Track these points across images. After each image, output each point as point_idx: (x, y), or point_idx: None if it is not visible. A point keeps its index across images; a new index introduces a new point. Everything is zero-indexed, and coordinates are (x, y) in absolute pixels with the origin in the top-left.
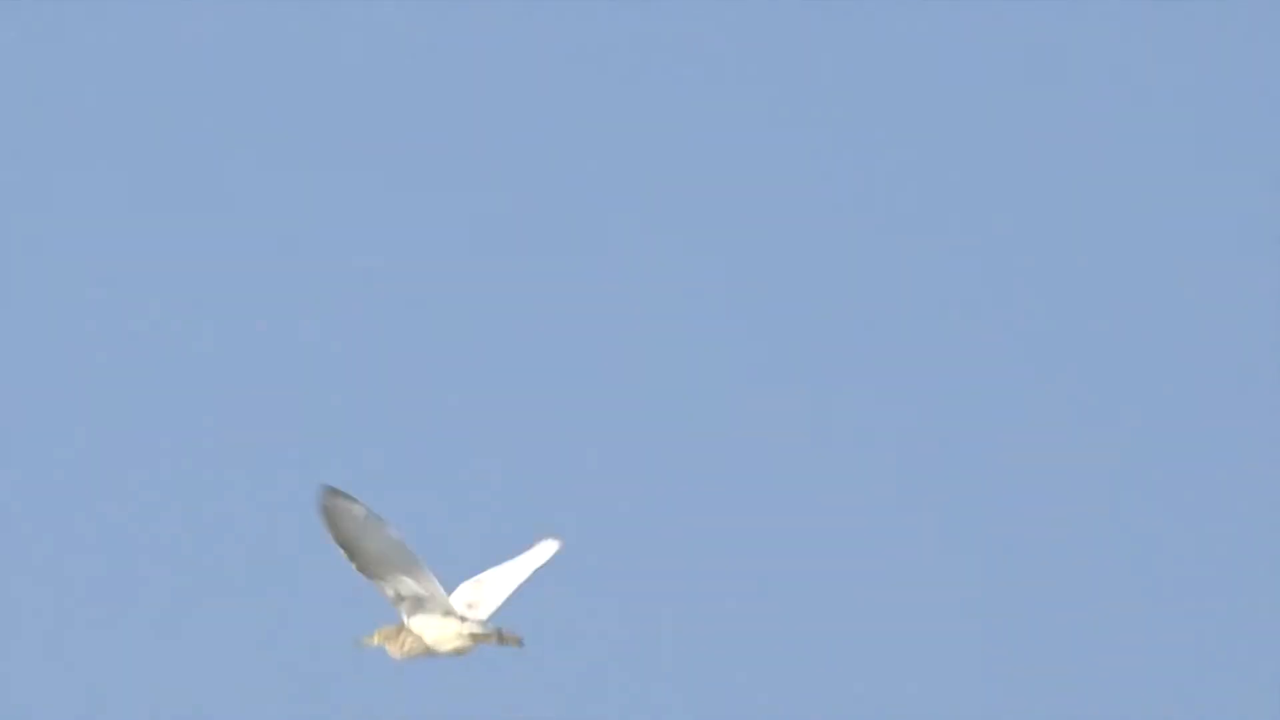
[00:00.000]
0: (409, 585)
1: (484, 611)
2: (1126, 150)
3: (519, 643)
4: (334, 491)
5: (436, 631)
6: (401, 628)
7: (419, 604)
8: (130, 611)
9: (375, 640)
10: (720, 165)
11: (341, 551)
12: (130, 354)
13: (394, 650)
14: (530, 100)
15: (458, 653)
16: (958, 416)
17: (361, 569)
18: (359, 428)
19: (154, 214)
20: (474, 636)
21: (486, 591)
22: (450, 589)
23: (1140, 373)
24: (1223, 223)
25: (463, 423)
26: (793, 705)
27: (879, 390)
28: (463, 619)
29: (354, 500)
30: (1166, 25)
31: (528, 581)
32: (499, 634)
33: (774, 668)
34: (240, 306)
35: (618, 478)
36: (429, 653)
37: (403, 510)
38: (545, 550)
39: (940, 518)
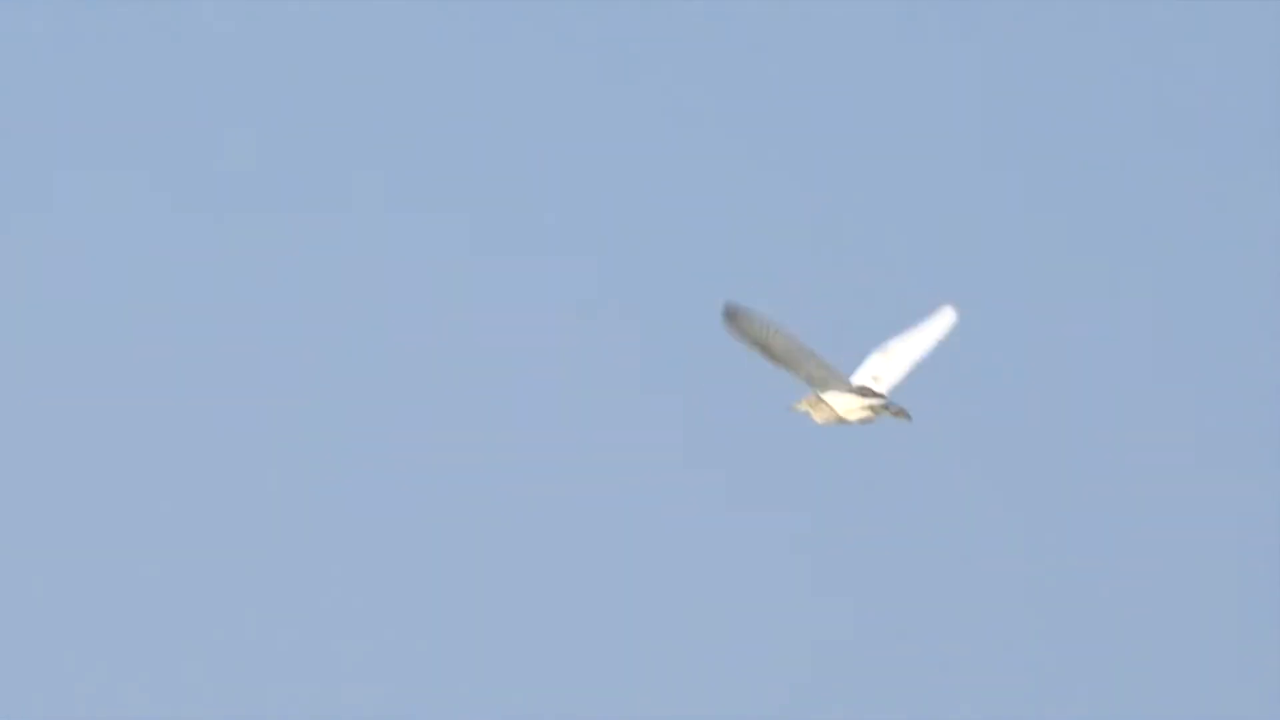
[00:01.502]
0: (812, 371)
1: (886, 385)
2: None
3: (908, 416)
4: (734, 307)
5: (844, 405)
6: (819, 398)
7: (826, 382)
8: None
9: (802, 406)
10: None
11: (755, 350)
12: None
13: (816, 416)
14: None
15: (863, 421)
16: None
17: (772, 361)
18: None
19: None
20: (872, 409)
21: (892, 363)
22: (858, 360)
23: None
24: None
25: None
26: None
27: None
28: (864, 392)
29: (752, 313)
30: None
31: (929, 354)
32: (891, 408)
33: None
34: None
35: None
36: (841, 421)
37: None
38: (944, 320)
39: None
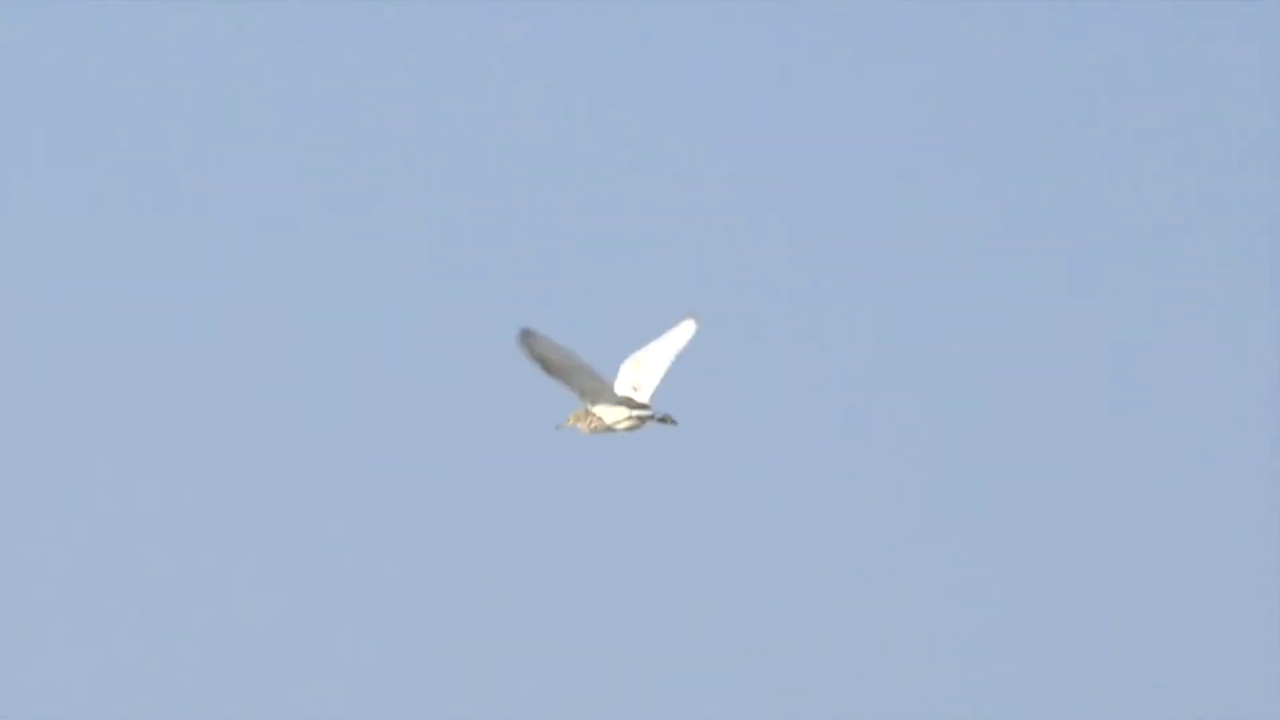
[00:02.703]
0: (587, 383)
1: (646, 395)
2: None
3: (674, 422)
4: (529, 331)
5: (612, 415)
6: (587, 411)
7: (597, 395)
8: None
9: (569, 422)
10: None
11: (537, 365)
12: None
13: (583, 428)
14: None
15: (629, 430)
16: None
17: (551, 375)
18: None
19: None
20: (640, 418)
21: (645, 374)
22: (611, 369)
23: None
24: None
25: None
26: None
27: None
28: (630, 403)
29: (542, 336)
30: None
31: (676, 361)
32: (658, 416)
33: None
34: None
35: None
36: (609, 430)
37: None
38: (686, 330)
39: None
